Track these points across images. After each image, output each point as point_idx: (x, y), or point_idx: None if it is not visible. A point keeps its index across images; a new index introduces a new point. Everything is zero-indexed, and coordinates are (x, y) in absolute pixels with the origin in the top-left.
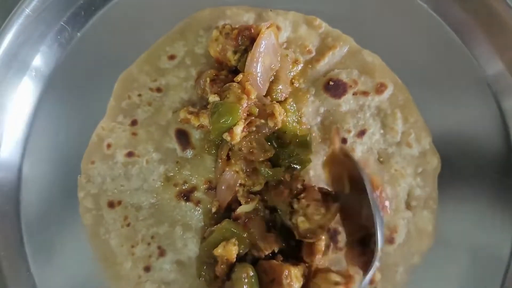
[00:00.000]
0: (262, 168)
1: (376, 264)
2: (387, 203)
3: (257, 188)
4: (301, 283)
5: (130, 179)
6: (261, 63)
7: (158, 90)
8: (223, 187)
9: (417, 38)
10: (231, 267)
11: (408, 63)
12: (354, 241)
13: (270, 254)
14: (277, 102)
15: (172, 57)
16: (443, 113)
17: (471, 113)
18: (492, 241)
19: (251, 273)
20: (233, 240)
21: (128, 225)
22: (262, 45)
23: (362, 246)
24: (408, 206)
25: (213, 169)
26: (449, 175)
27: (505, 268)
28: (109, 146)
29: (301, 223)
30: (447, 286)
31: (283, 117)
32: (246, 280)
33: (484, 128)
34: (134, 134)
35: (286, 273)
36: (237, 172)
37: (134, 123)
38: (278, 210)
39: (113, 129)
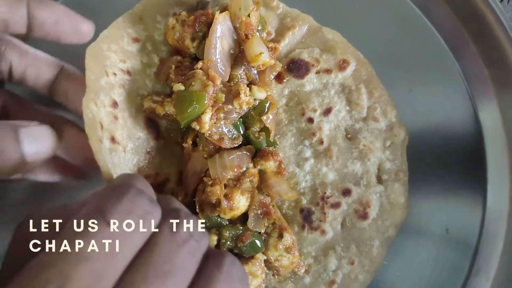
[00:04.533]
0: None
1: None
2: None
3: None
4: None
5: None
6: (219, 49)
7: (128, 73)
8: (190, 175)
9: (378, 12)
10: None
11: (369, 39)
12: None
13: None
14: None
15: (135, 40)
16: (410, 92)
17: (438, 91)
18: (460, 224)
19: None
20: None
21: None
22: (218, 31)
23: None
24: (379, 180)
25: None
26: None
27: (472, 252)
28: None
29: None
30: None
31: (249, 98)
32: None
33: (453, 108)
34: (115, 117)
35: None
36: (205, 158)
37: (115, 105)
38: None
39: (99, 107)
